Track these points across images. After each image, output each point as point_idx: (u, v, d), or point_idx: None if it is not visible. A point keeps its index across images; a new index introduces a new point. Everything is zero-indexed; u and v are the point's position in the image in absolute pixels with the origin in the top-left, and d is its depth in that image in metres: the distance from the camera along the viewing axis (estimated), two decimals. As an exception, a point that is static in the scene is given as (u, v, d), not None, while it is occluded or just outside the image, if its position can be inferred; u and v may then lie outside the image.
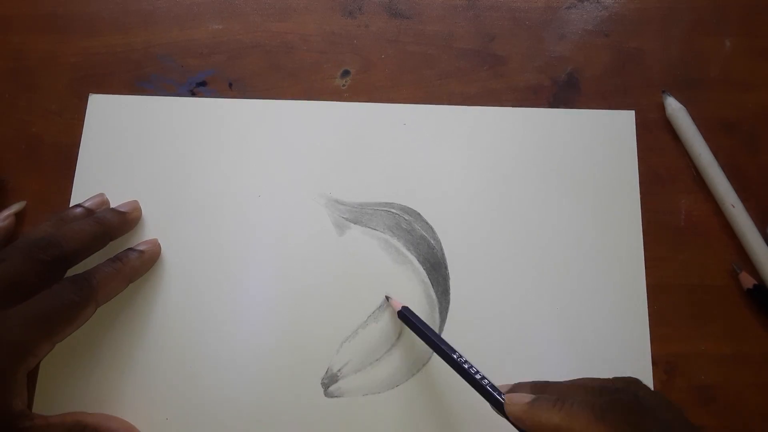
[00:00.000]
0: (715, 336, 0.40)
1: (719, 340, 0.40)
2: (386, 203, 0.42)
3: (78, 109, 0.44)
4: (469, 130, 0.43)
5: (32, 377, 0.38)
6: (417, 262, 0.41)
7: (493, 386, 0.33)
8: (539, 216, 0.42)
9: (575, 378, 0.33)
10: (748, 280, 0.40)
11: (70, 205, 0.42)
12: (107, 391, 0.38)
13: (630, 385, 0.31)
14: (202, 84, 0.45)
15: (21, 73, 0.45)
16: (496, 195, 0.42)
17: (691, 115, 0.43)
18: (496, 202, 0.42)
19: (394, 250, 0.41)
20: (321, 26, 0.46)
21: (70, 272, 0.37)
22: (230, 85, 0.45)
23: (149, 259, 0.40)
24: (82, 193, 0.42)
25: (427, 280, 0.40)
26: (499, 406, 0.32)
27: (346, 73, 0.45)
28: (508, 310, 0.40)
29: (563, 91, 0.45)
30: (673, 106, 0.43)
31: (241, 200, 0.42)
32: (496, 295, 0.40)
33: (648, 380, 0.38)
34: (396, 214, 0.42)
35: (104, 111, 0.44)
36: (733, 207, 0.40)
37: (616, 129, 0.43)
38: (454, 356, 0.34)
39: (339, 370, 0.39)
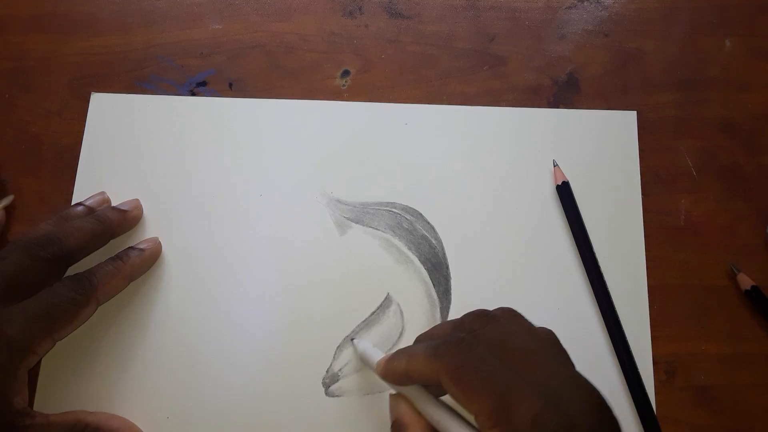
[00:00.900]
0: (715, 336, 0.40)
1: (719, 340, 0.39)
2: (388, 203, 0.42)
3: (78, 109, 0.44)
4: (470, 130, 0.44)
5: (33, 375, 0.38)
6: (418, 261, 0.41)
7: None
8: (540, 216, 0.42)
9: None
10: (746, 282, 0.40)
11: (72, 204, 0.41)
12: (108, 390, 0.38)
13: (477, 319, 0.31)
14: (202, 84, 0.45)
15: (21, 73, 0.45)
16: (497, 195, 0.42)
17: (691, 115, 0.43)
18: (498, 202, 0.42)
19: (396, 249, 0.41)
20: (321, 26, 0.46)
21: (71, 271, 0.37)
22: (230, 85, 0.45)
23: (150, 258, 0.40)
24: (84, 191, 0.42)
25: (428, 279, 0.40)
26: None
27: (346, 73, 0.45)
28: None
29: (563, 91, 0.45)
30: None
31: (243, 199, 0.42)
32: (497, 294, 0.40)
33: (649, 380, 0.38)
34: (397, 213, 0.42)
35: (106, 110, 0.44)
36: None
37: (617, 129, 0.43)
38: None
39: (340, 370, 0.39)
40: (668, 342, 0.39)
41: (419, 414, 0.30)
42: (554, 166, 0.42)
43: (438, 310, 0.40)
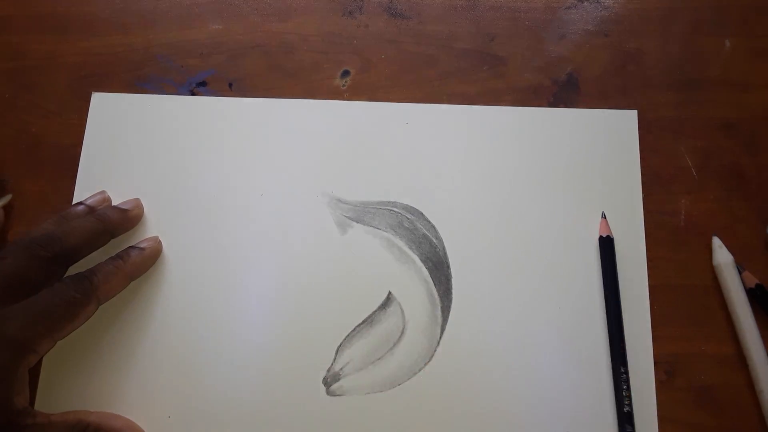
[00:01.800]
0: (715, 336, 0.40)
1: (719, 340, 0.39)
2: (389, 202, 0.42)
3: (78, 109, 0.44)
4: (471, 130, 0.44)
5: (34, 374, 0.38)
6: (419, 260, 0.41)
7: None
8: (541, 216, 0.42)
9: None
10: (750, 280, 0.40)
11: (73, 203, 0.41)
12: (109, 389, 0.38)
13: None
14: (202, 84, 0.45)
15: (21, 73, 0.45)
16: (498, 194, 0.42)
17: (690, 115, 0.43)
18: (499, 202, 0.42)
19: (397, 249, 0.41)
20: (321, 26, 0.46)
21: (72, 270, 0.37)
22: (230, 85, 0.45)
23: (150, 257, 0.40)
24: (84, 190, 0.42)
25: (429, 279, 0.40)
26: None
27: (345, 73, 0.45)
28: (510, 309, 0.40)
29: (563, 91, 0.45)
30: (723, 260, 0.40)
31: (243, 199, 0.42)
32: (498, 294, 0.40)
33: (649, 379, 0.38)
34: (398, 213, 0.42)
35: (107, 109, 0.44)
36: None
37: (618, 128, 0.43)
38: None
39: (341, 369, 0.39)
40: (668, 342, 0.39)
41: None
42: (602, 218, 0.41)
43: (439, 309, 0.40)
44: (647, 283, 0.40)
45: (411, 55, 0.46)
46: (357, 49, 0.46)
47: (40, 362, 0.38)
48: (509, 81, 0.45)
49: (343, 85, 0.45)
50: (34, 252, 0.35)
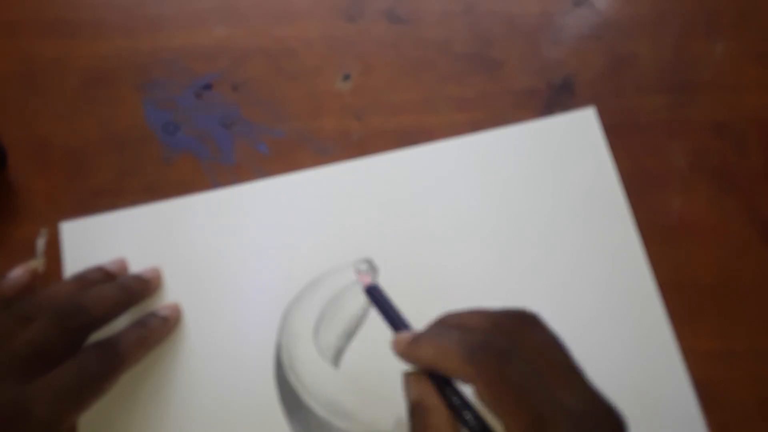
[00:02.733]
0: (707, 333, 0.40)
1: (711, 337, 0.40)
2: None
3: (86, 112, 0.45)
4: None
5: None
6: None
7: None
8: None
9: None
10: None
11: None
12: None
13: (517, 323, 0.29)
14: (208, 87, 0.46)
15: (29, 77, 0.46)
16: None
17: (683, 117, 0.44)
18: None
19: None
20: (323, 31, 0.47)
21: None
22: (234, 88, 0.46)
23: (172, 326, 0.40)
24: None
25: None
26: None
27: (346, 77, 0.46)
28: None
29: (558, 94, 0.45)
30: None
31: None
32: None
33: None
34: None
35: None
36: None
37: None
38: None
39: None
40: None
41: (442, 397, 0.28)
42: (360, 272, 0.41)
43: None
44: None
45: (410, 59, 0.47)
46: (358, 53, 0.47)
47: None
48: (505, 84, 0.46)
49: (345, 88, 0.46)
50: (61, 323, 0.34)
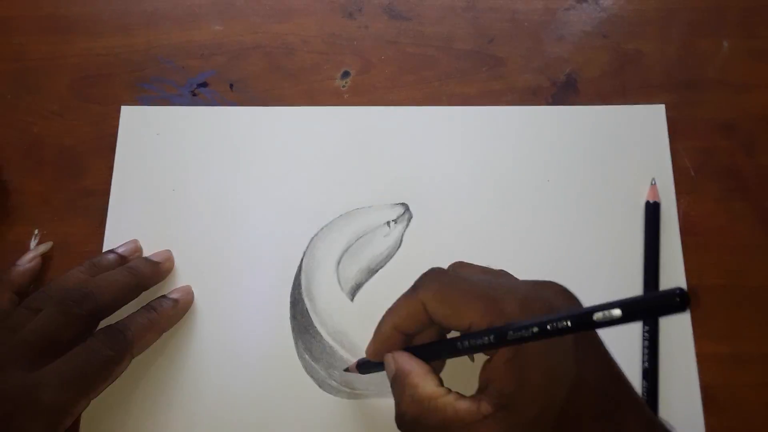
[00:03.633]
0: (714, 336, 0.40)
1: (718, 340, 0.39)
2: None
3: (79, 110, 0.45)
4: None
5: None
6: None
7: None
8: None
9: None
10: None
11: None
12: None
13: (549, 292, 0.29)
14: (203, 85, 0.45)
15: (22, 74, 0.46)
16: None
17: (689, 116, 0.44)
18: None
19: None
20: (321, 27, 0.47)
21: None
22: (231, 86, 0.45)
23: (183, 309, 0.39)
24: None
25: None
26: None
27: (346, 74, 0.46)
28: None
29: (562, 92, 0.45)
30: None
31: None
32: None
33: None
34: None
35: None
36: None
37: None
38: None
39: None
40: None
41: (419, 360, 0.30)
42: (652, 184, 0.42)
43: None
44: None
45: (411, 56, 0.46)
46: (357, 50, 0.46)
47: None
48: (508, 82, 0.45)
49: (344, 86, 0.45)
50: (69, 310, 0.34)
